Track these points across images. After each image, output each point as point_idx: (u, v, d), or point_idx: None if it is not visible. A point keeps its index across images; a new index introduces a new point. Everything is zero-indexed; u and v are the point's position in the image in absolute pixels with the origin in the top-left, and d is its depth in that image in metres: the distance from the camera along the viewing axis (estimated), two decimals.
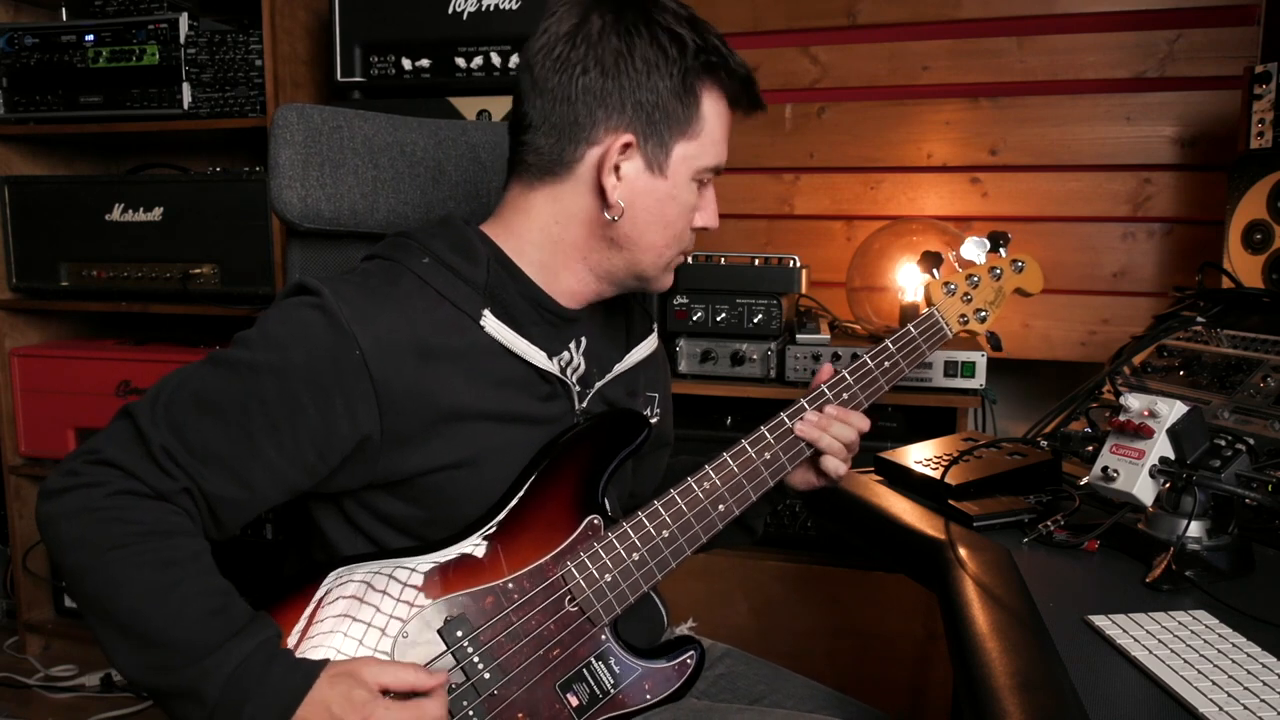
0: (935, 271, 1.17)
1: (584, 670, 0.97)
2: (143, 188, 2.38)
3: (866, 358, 1.11)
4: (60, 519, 0.83)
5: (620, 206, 0.97)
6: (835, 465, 1.09)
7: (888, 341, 1.12)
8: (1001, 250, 1.20)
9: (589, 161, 0.97)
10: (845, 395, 1.09)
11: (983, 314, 1.18)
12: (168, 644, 0.81)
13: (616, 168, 0.96)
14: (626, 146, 0.95)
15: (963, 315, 1.17)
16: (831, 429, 1.07)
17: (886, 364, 1.12)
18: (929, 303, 1.17)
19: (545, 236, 1.00)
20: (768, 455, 1.05)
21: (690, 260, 2.06)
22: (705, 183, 1.02)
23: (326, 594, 0.91)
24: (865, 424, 1.10)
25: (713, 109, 0.99)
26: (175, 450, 0.85)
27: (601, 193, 0.97)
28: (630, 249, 1.00)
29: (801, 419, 1.07)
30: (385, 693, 0.85)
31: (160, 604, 0.82)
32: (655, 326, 1.19)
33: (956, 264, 1.18)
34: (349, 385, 0.89)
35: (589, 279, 1.03)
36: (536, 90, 0.96)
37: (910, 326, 1.14)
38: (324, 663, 0.85)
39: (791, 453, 1.06)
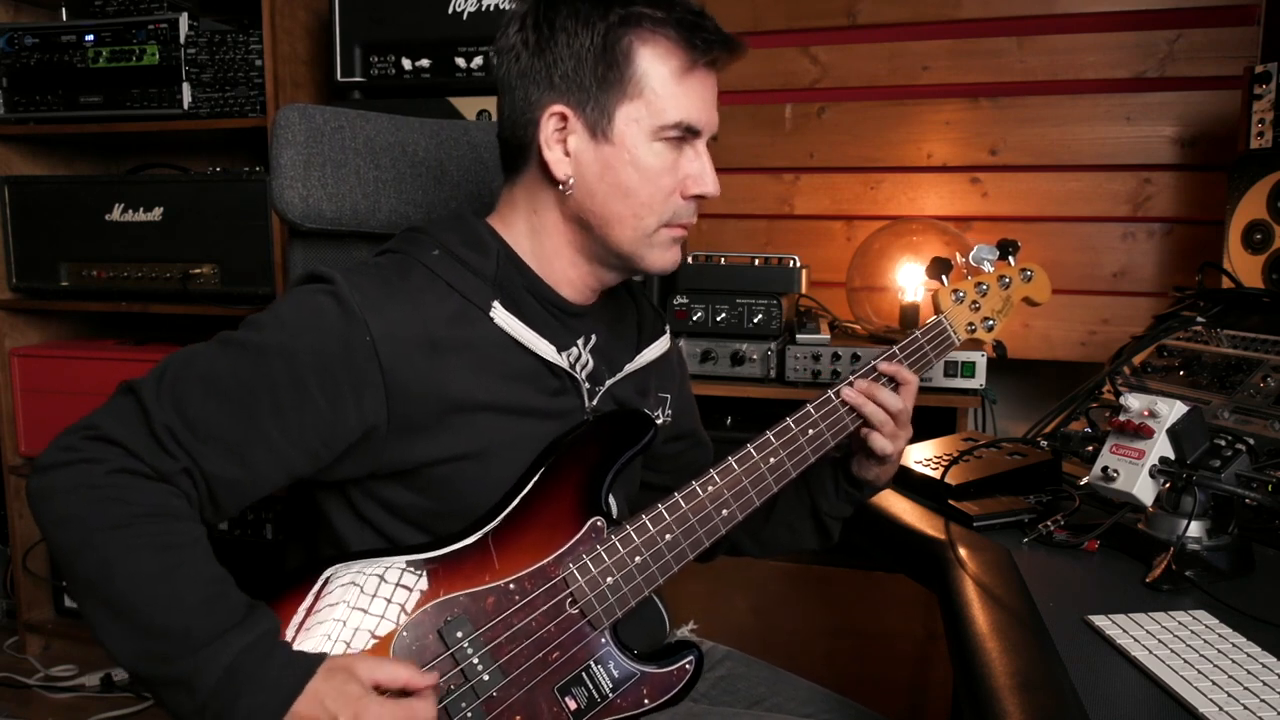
0: (944, 278, 1.16)
1: (583, 674, 0.97)
2: (143, 188, 2.38)
3: (875, 363, 1.10)
4: (56, 494, 0.82)
5: (568, 180, 0.96)
6: (881, 442, 1.06)
7: (895, 349, 1.11)
8: (1011, 259, 1.19)
9: (536, 143, 0.97)
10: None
11: (990, 323, 1.17)
12: (163, 631, 0.80)
13: (563, 143, 0.96)
14: (562, 119, 0.95)
15: (970, 324, 1.17)
16: (878, 395, 1.06)
17: None
18: (937, 310, 1.16)
19: (529, 227, 1.01)
20: (772, 460, 1.04)
21: (690, 260, 2.06)
22: (677, 141, 0.96)
23: (326, 587, 0.90)
24: (913, 379, 1.08)
25: (654, 63, 0.93)
26: (178, 429, 0.84)
27: (551, 170, 0.97)
28: (598, 225, 0.98)
29: (850, 385, 1.06)
30: (379, 689, 0.84)
31: (157, 588, 0.80)
32: (668, 327, 1.18)
33: (965, 271, 1.18)
34: (358, 372, 0.88)
35: (580, 262, 1.02)
36: (499, 91, 0.99)
37: (917, 333, 1.13)
38: (322, 657, 0.85)
39: (797, 459, 1.05)
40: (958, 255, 1.19)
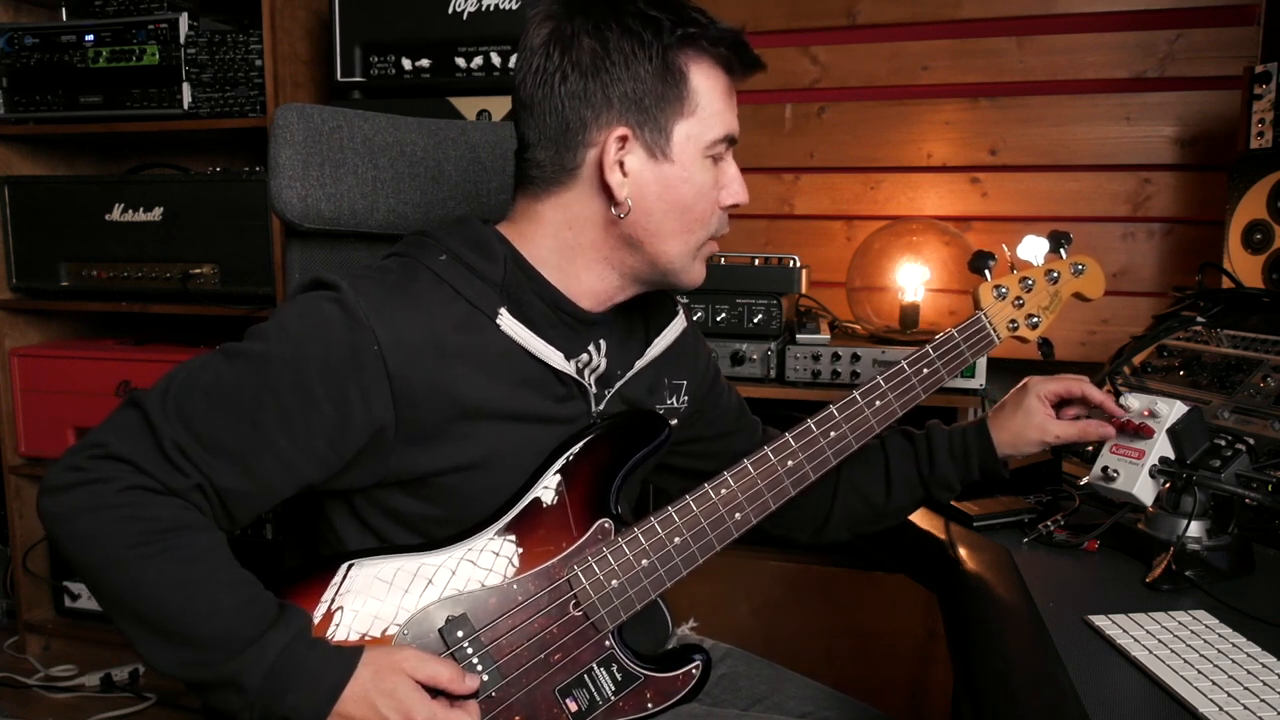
0: (987, 273, 1.11)
1: (585, 676, 0.96)
2: (143, 188, 2.38)
3: (904, 363, 1.07)
4: (72, 516, 0.82)
5: (628, 204, 0.95)
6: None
7: (928, 347, 1.08)
8: (1062, 252, 1.13)
9: (590, 163, 0.95)
10: (878, 403, 1.05)
11: (1035, 320, 1.12)
12: (203, 641, 0.82)
13: (621, 164, 0.94)
14: (623, 140, 0.94)
15: (1012, 321, 1.12)
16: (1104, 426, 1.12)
17: (925, 371, 1.08)
18: (977, 306, 1.11)
19: (559, 243, 0.99)
20: (790, 463, 1.03)
21: None
22: (720, 158, 0.99)
23: (346, 578, 0.91)
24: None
25: (704, 80, 0.95)
26: (187, 445, 0.84)
27: (609, 192, 0.95)
28: (650, 242, 0.97)
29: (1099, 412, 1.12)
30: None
31: (190, 601, 0.82)
32: (680, 309, 1.14)
33: (1011, 265, 1.12)
34: (366, 378, 0.88)
35: (612, 277, 1.00)
36: (527, 109, 0.96)
37: (954, 331, 1.09)
38: (360, 650, 0.86)
39: (817, 461, 1.04)
40: (1005, 248, 1.13)
